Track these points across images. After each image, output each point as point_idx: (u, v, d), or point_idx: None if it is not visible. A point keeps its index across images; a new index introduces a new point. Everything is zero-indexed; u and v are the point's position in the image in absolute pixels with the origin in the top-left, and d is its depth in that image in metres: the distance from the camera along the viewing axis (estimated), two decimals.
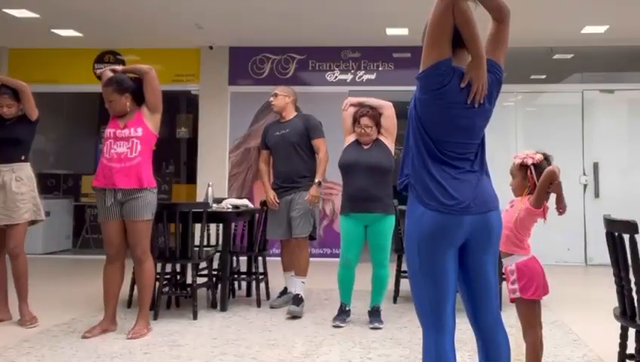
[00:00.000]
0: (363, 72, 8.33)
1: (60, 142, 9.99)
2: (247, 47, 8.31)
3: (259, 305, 4.96)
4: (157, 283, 4.42)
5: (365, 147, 4.37)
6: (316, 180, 4.79)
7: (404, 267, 4.61)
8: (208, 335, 4.13)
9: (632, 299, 2.62)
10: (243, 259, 5.40)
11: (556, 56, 8.32)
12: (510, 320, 3.02)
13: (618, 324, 2.75)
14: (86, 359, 3.51)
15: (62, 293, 5.50)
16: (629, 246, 2.53)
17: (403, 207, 4.82)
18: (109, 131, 4.07)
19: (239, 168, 8.35)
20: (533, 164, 2.80)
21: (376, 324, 4.29)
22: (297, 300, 4.68)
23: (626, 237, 2.55)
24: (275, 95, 5.00)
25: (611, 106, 8.12)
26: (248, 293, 5.44)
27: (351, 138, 4.45)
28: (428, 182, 2.12)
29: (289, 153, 4.87)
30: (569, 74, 8.60)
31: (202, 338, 4.01)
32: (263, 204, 5.14)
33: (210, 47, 8.36)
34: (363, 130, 4.34)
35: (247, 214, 5.18)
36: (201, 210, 4.60)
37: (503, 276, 3.03)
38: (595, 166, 7.94)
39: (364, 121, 4.34)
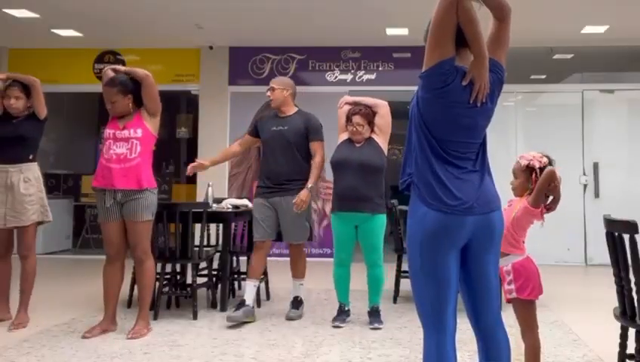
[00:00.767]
0: (363, 72, 8.34)
1: (59, 142, 9.98)
2: (247, 47, 8.32)
3: (259, 305, 4.96)
4: (157, 283, 4.42)
5: (357, 145, 4.37)
6: (308, 185, 4.48)
7: (404, 267, 4.62)
8: (208, 335, 4.12)
9: (632, 299, 2.62)
10: (243, 259, 5.40)
11: (556, 56, 8.33)
12: (510, 320, 3.01)
13: (618, 324, 2.75)
14: (86, 359, 3.51)
15: (62, 293, 5.50)
16: (629, 246, 2.53)
17: (404, 207, 4.84)
18: (108, 132, 4.07)
19: (239, 168, 8.35)
20: (539, 168, 2.77)
21: (376, 324, 4.29)
22: (297, 303, 4.67)
23: (626, 237, 2.55)
24: (272, 89, 4.62)
25: (611, 106, 8.13)
26: None
27: (344, 136, 4.45)
28: (431, 182, 2.11)
29: (284, 151, 4.54)
30: (569, 74, 8.61)
31: (202, 339, 4.01)
32: None
33: (210, 47, 8.36)
34: (355, 128, 4.34)
35: (247, 214, 5.17)
36: (201, 210, 4.61)
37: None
38: (595, 166, 7.94)
39: (356, 119, 4.34)
